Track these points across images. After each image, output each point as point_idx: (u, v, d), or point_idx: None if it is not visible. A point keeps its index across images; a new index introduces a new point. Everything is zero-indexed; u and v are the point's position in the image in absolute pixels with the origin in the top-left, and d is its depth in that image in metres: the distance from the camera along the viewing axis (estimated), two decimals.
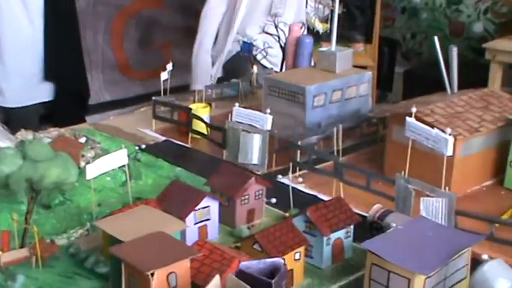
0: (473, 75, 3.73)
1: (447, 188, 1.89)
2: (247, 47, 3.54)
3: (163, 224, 1.56)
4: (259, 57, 3.53)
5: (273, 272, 1.37)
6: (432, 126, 1.99)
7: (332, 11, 4.64)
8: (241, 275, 1.34)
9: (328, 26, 4.68)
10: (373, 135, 2.66)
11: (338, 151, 2.41)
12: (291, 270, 1.67)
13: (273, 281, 1.31)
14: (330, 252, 1.80)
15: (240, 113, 2.41)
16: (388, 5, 5.42)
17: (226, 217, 1.96)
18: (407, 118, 1.98)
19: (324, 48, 2.78)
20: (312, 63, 3.05)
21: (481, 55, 4.71)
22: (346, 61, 2.74)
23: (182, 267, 1.37)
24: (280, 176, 2.23)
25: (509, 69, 4.51)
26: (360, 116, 2.64)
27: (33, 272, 1.74)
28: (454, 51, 2.42)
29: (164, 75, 2.84)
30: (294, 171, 2.32)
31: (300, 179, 2.29)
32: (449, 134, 1.88)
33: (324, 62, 2.74)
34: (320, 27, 4.69)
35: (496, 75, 4.30)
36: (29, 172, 1.76)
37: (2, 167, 1.77)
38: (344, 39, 4.68)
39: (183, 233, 1.80)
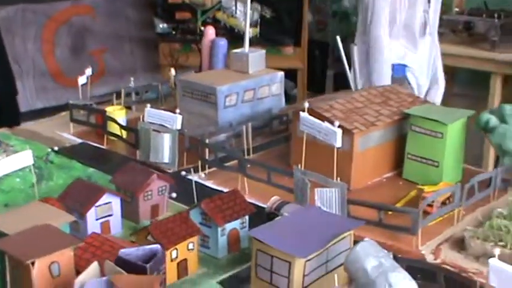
0: None
1: (339, 178, 1.99)
2: None
3: (51, 217, 1.61)
4: None
5: (150, 257, 1.44)
6: (331, 122, 2.08)
7: (264, 15, 4.77)
8: (120, 261, 1.40)
9: (258, 29, 4.80)
10: (284, 132, 2.75)
11: (248, 149, 2.51)
12: (185, 259, 1.75)
13: (147, 265, 1.38)
14: (225, 242, 1.87)
15: (151, 114, 2.47)
16: (320, 9, 5.55)
17: (130, 213, 2.02)
18: (301, 113, 2.08)
19: (237, 50, 2.86)
20: None
21: None
22: (258, 62, 2.83)
23: (65, 257, 1.43)
24: (184, 173, 2.30)
25: None
26: (270, 115, 2.72)
27: None
28: (355, 49, 2.53)
29: (82, 79, 2.89)
30: (203, 169, 2.41)
31: (202, 175, 2.36)
32: (338, 127, 1.97)
33: (237, 63, 2.83)
34: (250, 31, 4.80)
35: None
36: None
37: None
38: (273, 43, 4.79)
39: (83, 229, 1.86)
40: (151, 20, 4.74)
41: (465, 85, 4.63)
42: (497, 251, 1.53)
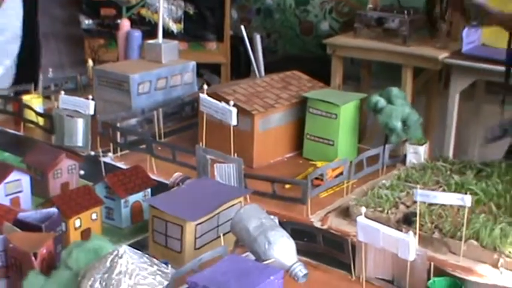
0: (321, 70, 4.06)
1: (236, 154, 2.15)
2: None
3: None
4: None
5: (47, 219, 1.57)
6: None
7: (187, 11, 4.91)
8: (19, 223, 1.53)
9: (182, 25, 4.94)
10: (195, 118, 2.89)
11: (160, 134, 2.65)
12: (89, 229, 1.88)
13: (43, 224, 1.51)
14: (128, 213, 2.02)
15: (65, 101, 2.59)
16: (245, 7, 5.72)
17: (40, 190, 2.14)
18: (200, 95, 2.23)
19: (151, 41, 3.00)
20: None
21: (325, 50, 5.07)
22: (171, 52, 2.98)
23: None
24: (93, 153, 2.43)
25: (351, 64, 4.88)
26: (181, 101, 2.87)
27: None
28: (258, 38, 2.70)
29: (0, 70, 2.97)
30: (115, 152, 2.54)
31: (110, 154, 2.49)
32: (233, 106, 2.13)
33: (151, 53, 2.97)
34: (174, 27, 4.94)
35: (337, 69, 4.64)
36: None
37: None
38: (197, 38, 4.94)
39: None
40: (76, 16, 4.83)
41: (380, 78, 4.86)
42: (363, 209, 1.72)
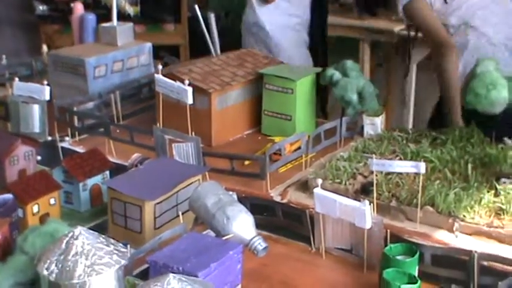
0: None
1: (193, 133, 2.15)
2: None
3: None
4: None
5: (3, 206, 1.56)
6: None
7: None
8: None
9: (139, 8, 4.90)
10: (153, 100, 2.88)
11: (118, 116, 2.64)
12: (47, 213, 1.87)
13: None
14: (87, 196, 2.01)
15: (20, 87, 2.55)
16: None
17: None
18: (156, 75, 2.23)
19: (105, 24, 2.98)
20: None
21: None
22: (127, 35, 2.96)
23: None
24: (50, 138, 2.42)
25: None
26: (138, 83, 2.86)
27: None
28: (212, 17, 2.70)
29: None
30: (73, 136, 2.53)
31: (70, 141, 2.47)
32: (188, 85, 2.13)
33: (106, 36, 2.94)
34: (131, 10, 4.89)
35: None
36: None
37: None
38: (154, 20, 4.91)
39: None
40: (30, 2, 4.76)
41: (339, 53, 4.88)
42: (319, 181, 1.74)
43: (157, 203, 1.78)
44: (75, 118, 2.51)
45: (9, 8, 4.94)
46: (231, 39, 5.51)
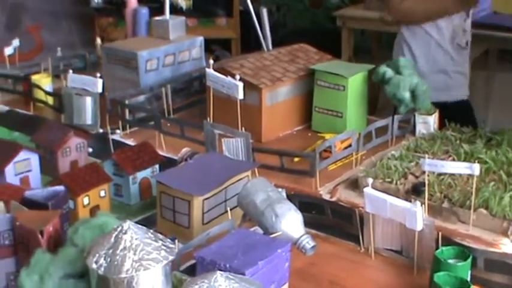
0: (331, 43, 4.03)
1: (243, 129, 2.14)
2: None
3: None
4: None
5: (54, 197, 1.58)
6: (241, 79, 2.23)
7: None
8: (26, 201, 1.54)
9: (191, 2, 4.91)
10: (204, 94, 2.88)
11: (169, 110, 2.65)
12: (97, 206, 1.89)
13: (50, 202, 1.52)
14: (137, 190, 2.02)
15: (74, 79, 2.59)
16: None
17: (50, 169, 2.14)
18: (207, 70, 2.23)
19: (158, 17, 2.99)
20: None
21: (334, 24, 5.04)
22: (179, 28, 2.96)
23: None
24: (101, 130, 2.44)
25: (361, 36, 4.85)
26: (189, 77, 2.86)
27: None
28: (265, 12, 2.68)
29: (8, 50, 2.99)
30: (124, 129, 2.54)
31: (118, 131, 2.49)
32: (239, 80, 2.12)
33: (158, 30, 2.95)
34: (183, 4, 4.92)
35: (347, 41, 4.62)
36: None
37: None
38: (207, 14, 4.92)
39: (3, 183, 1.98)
40: None
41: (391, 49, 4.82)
42: (370, 180, 1.71)
43: (206, 199, 1.77)
44: (127, 111, 2.53)
45: (66, 1, 5.03)
46: (282, 34, 5.51)
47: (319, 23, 5.46)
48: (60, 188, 1.60)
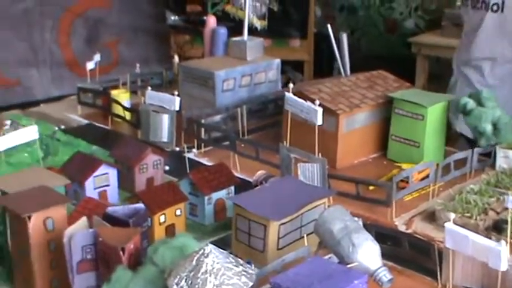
0: (405, 69, 3.99)
1: (320, 155, 2.12)
2: None
3: (48, 180, 1.78)
4: None
5: (134, 215, 1.59)
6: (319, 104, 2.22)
7: (271, 8, 4.91)
8: (107, 217, 1.56)
9: (266, 22, 4.93)
10: (278, 116, 2.88)
11: (243, 131, 2.66)
12: (173, 224, 1.90)
13: (130, 220, 1.53)
14: (211, 210, 2.03)
15: (151, 96, 2.63)
16: (328, 4, 5.68)
17: (126, 184, 2.18)
18: (286, 93, 2.22)
19: (236, 38, 3.02)
20: None
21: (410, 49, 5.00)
22: (256, 49, 2.99)
23: (58, 213, 1.58)
24: (177, 149, 2.46)
25: (436, 63, 4.78)
26: (265, 99, 2.87)
27: None
28: (344, 37, 2.67)
29: (90, 65, 3.06)
30: (199, 148, 2.56)
31: (194, 150, 2.51)
32: (319, 105, 2.11)
33: (235, 50, 2.98)
34: (258, 24, 4.94)
35: (422, 68, 4.57)
36: None
37: None
38: (281, 35, 4.93)
39: (82, 197, 2.01)
40: (163, 12, 4.90)
41: None
42: (451, 215, 1.67)
43: (282, 224, 1.76)
44: (202, 130, 2.55)
45: (144, 17, 5.13)
46: (356, 59, 5.50)
47: (394, 48, 5.40)
48: (140, 206, 1.62)
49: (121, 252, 1.40)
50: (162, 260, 1.36)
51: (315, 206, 1.85)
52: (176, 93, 2.57)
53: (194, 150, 2.53)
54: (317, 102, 2.13)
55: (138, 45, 5.15)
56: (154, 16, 5.13)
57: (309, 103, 2.15)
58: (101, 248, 1.45)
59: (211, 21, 3.15)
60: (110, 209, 1.58)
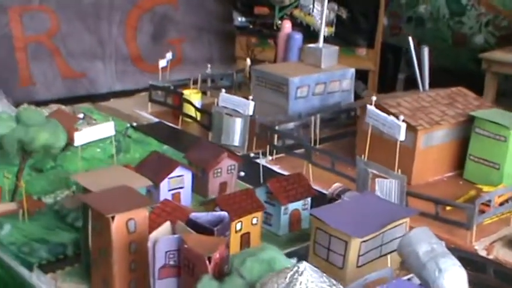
0: (473, 85, 3.90)
1: (399, 171, 2.07)
2: None
3: (130, 180, 1.76)
4: None
5: (218, 222, 1.56)
6: (396, 116, 2.17)
7: (339, 15, 4.86)
8: (190, 223, 1.53)
9: (333, 29, 4.89)
10: (351, 127, 2.84)
11: (315, 139, 2.62)
12: (248, 233, 1.86)
13: (215, 228, 1.50)
14: (287, 220, 1.99)
15: (225, 99, 2.61)
16: (396, 14, 5.59)
17: (200, 187, 2.15)
18: (368, 106, 2.17)
19: (311, 44, 2.97)
20: None
21: (480, 66, 4.89)
22: (331, 58, 2.94)
23: (141, 215, 1.56)
24: (252, 154, 2.43)
25: (505, 80, 4.66)
26: (339, 108, 2.82)
27: (19, 223, 1.96)
28: (426, 51, 2.61)
29: (162, 63, 3.05)
30: (271, 154, 2.53)
31: (270, 158, 2.48)
32: (402, 121, 2.05)
33: (310, 57, 2.94)
34: (325, 30, 4.89)
35: (490, 85, 4.45)
36: (20, 134, 1.97)
37: None
38: (347, 43, 4.86)
39: (156, 198, 2.00)
40: (230, 13, 4.88)
41: None
42: None
43: (364, 241, 1.71)
44: (275, 136, 2.51)
45: (210, 16, 5.12)
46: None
47: (462, 63, 5.29)
48: (224, 214, 1.59)
49: (207, 261, 1.37)
50: (250, 273, 1.33)
51: (397, 225, 1.80)
52: (251, 97, 2.54)
53: (268, 156, 2.48)
54: (401, 117, 2.07)
55: (201, 45, 5.14)
56: (220, 16, 5.12)
57: (392, 117, 2.10)
58: (185, 255, 1.43)
59: (286, 26, 3.11)
60: (193, 215, 1.55)
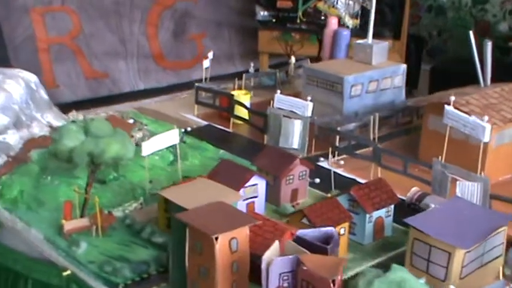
0: (498, 74, 3.81)
1: (482, 173, 1.99)
2: None
3: (220, 194, 1.67)
4: None
5: (326, 239, 1.48)
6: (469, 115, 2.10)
7: (364, 7, 4.76)
8: (299, 241, 1.45)
9: (358, 21, 4.78)
10: (408, 124, 2.76)
11: (374, 138, 2.53)
12: None
13: (328, 246, 1.42)
14: (371, 229, 1.91)
15: (281, 100, 2.52)
16: (415, 3, 5.49)
17: (271, 195, 2.07)
18: (446, 106, 2.09)
19: (360, 41, 2.89)
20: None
21: (505, 54, 4.80)
22: (381, 54, 2.86)
23: (242, 234, 1.48)
24: (322, 159, 2.35)
25: None
26: (395, 106, 2.74)
27: (93, 240, 1.87)
28: (489, 45, 2.53)
29: (206, 63, 2.96)
30: (333, 156, 2.44)
31: (342, 162, 2.40)
32: (487, 122, 1.98)
33: (360, 54, 2.86)
34: (350, 22, 4.79)
35: None
36: (90, 146, 1.88)
37: (66, 141, 1.89)
38: (373, 35, 4.75)
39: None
40: (252, 7, 4.77)
41: None
42: None
43: (467, 252, 1.64)
44: (337, 138, 2.43)
45: (231, 11, 5.01)
46: (440, 60, 5.32)
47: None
48: (331, 229, 1.51)
49: (332, 285, 1.29)
50: None
51: (498, 233, 1.72)
52: (309, 98, 2.45)
53: (332, 159, 2.40)
54: (485, 118, 1.99)
55: (222, 40, 5.03)
56: (242, 11, 5.00)
57: (474, 118, 2.02)
58: (304, 277, 1.34)
59: (333, 22, 3.02)
60: (301, 232, 1.47)
